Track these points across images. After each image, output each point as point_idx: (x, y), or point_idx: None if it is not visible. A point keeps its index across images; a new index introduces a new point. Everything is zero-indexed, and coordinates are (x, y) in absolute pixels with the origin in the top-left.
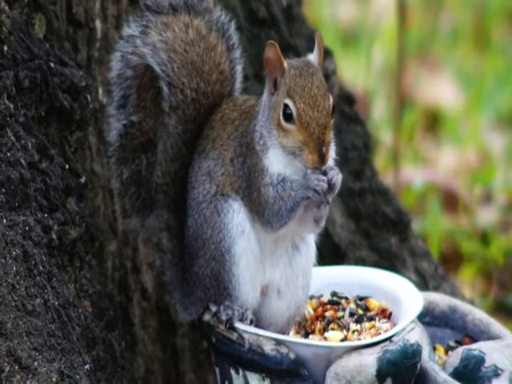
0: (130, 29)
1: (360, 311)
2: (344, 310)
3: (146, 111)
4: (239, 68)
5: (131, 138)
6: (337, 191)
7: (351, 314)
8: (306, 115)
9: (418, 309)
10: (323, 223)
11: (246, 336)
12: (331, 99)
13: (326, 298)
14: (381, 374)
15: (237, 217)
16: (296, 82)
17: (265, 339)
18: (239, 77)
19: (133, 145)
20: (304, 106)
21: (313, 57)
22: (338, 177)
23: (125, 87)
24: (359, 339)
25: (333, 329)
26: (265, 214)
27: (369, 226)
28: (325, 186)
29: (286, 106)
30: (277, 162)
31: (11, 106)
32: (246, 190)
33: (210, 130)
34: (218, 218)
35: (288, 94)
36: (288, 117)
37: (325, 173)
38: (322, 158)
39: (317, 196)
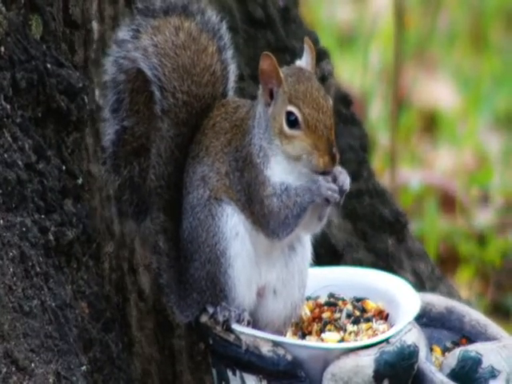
0: (122, 33)
1: (357, 312)
2: (341, 311)
3: (139, 115)
4: (232, 68)
5: (123, 144)
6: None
7: (348, 316)
8: (312, 119)
9: (415, 310)
10: (325, 220)
11: (243, 337)
12: (331, 100)
13: (322, 299)
14: (378, 375)
15: (230, 220)
16: (296, 89)
17: (262, 340)
18: (232, 77)
19: (125, 151)
20: (309, 110)
21: (303, 61)
22: (347, 181)
23: (118, 91)
24: (356, 340)
25: (330, 330)
26: (269, 224)
27: (366, 227)
28: (337, 196)
29: (289, 114)
30: (279, 171)
31: (8, 106)
32: (246, 202)
33: (203, 137)
34: (212, 221)
35: (290, 101)
36: (292, 123)
37: (335, 178)
38: (334, 160)
39: (326, 203)
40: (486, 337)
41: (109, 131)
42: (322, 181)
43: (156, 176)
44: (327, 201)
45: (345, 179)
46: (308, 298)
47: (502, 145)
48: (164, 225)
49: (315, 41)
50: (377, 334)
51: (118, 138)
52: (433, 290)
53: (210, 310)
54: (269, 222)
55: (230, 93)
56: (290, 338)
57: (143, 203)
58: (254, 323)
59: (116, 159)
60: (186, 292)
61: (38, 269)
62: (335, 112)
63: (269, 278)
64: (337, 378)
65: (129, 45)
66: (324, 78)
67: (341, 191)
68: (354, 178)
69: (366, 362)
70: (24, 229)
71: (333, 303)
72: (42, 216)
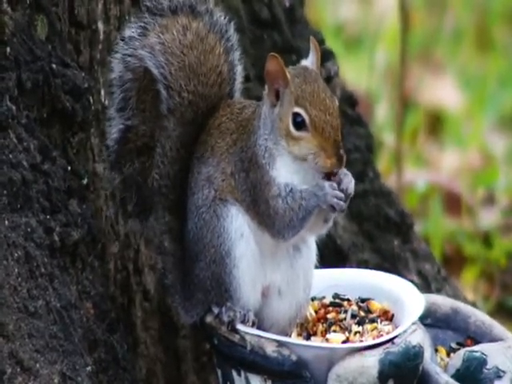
0: (129, 30)
1: (362, 313)
2: (346, 311)
3: (145, 114)
4: (238, 69)
5: (126, 143)
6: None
7: (353, 316)
8: (319, 120)
9: (419, 311)
10: (331, 222)
11: (247, 338)
12: (337, 100)
13: (328, 299)
14: (382, 376)
15: (235, 221)
16: (303, 90)
17: (266, 341)
18: (239, 78)
19: (127, 149)
20: (316, 112)
21: (309, 62)
22: (351, 185)
23: (125, 90)
24: (361, 341)
25: (335, 331)
26: (275, 225)
27: (371, 227)
28: (343, 204)
29: (296, 115)
30: (285, 171)
31: (13, 107)
32: (251, 203)
33: (208, 137)
34: (217, 222)
35: (297, 102)
36: (299, 125)
37: (340, 181)
38: (341, 161)
39: (332, 210)
40: (491, 337)
41: (113, 130)
42: (328, 188)
43: (161, 175)
44: (333, 208)
45: (349, 182)
46: (313, 299)
47: (508, 145)
48: (169, 225)
49: (321, 41)
50: (382, 335)
51: (122, 136)
52: (438, 290)
53: (215, 310)
54: (274, 222)
55: (237, 94)
56: (294, 339)
57: (144, 202)
58: (259, 323)
59: (118, 157)
60: (190, 292)
61: (43, 269)
62: (341, 113)
63: (274, 278)
64: (342, 379)
65: (136, 42)
66: (329, 79)
67: (345, 195)
68: (360, 178)
69: (371, 362)
70: (29, 229)
71: (338, 304)
72: (47, 216)
